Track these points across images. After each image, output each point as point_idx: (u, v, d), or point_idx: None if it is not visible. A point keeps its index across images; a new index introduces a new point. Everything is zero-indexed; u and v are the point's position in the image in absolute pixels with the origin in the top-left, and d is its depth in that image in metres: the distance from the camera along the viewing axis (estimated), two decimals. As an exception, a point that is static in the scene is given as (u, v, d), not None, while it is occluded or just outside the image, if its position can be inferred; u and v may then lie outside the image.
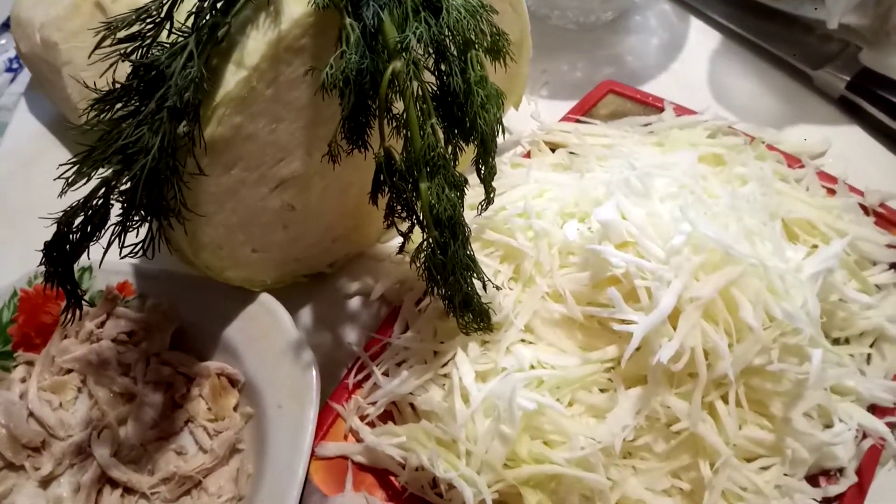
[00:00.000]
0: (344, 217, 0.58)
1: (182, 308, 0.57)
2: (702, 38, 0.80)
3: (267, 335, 0.55)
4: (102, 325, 0.57)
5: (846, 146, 0.69)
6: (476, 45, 0.43)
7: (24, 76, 0.83)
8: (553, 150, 0.65)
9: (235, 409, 0.55)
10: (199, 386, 0.55)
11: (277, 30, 0.44)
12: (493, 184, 0.57)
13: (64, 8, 0.65)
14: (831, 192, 0.61)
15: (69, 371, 0.56)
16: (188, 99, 0.39)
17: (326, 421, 0.52)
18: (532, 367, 0.48)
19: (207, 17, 0.41)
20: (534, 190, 0.55)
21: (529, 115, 0.73)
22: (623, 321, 0.46)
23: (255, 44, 0.44)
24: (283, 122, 0.48)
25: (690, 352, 0.45)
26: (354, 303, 0.62)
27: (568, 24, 0.79)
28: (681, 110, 0.67)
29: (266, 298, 0.56)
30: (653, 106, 0.68)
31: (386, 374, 0.53)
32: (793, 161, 0.63)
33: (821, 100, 0.73)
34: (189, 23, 0.42)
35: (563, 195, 0.54)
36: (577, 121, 0.67)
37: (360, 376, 0.54)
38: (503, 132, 0.44)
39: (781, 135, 0.70)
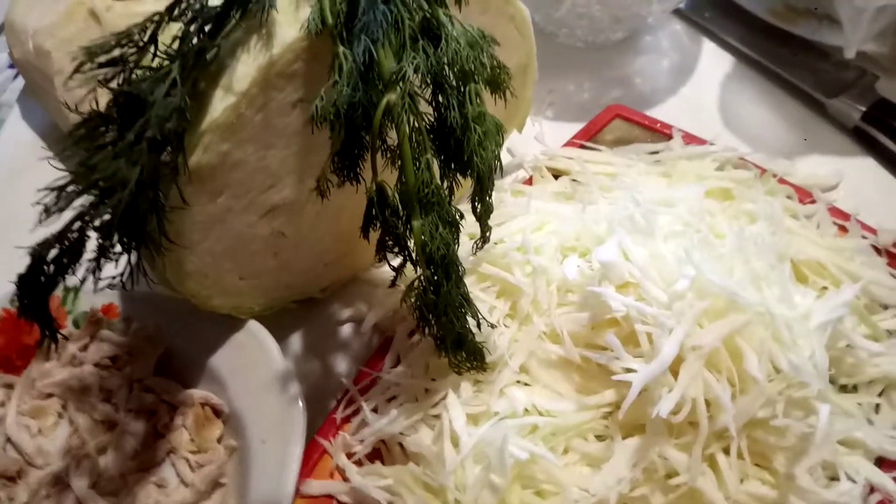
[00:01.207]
0: (337, 242, 0.56)
1: (168, 333, 0.56)
2: (714, 62, 0.77)
3: (253, 365, 0.53)
4: (86, 348, 0.56)
5: (860, 179, 0.67)
6: (476, 78, 0.41)
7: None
8: (556, 177, 0.63)
9: (219, 441, 0.53)
10: (183, 415, 0.53)
11: (269, 54, 0.42)
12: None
13: (57, 15, 0.63)
14: (843, 229, 0.58)
15: (50, 395, 0.55)
16: (170, 129, 0.37)
17: (312, 456, 0.50)
18: (526, 410, 0.46)
19: (193, 42, 0.39)
20: (533, 222, 0.53)
21: (533, 136, 0.71)
22: (622, 369, 0.44)
23: (245, 68, 0.42)
24: (273, 148, 0.46)
25: (692, 402, 0.43)
26: (346, 330, 0.60)
27: (576, 42, 0.77)
28: (690, 138, 0.65)
29: (254, 326, 0.54)
30: (661, 133, 0.66)
31: (375, 410, 0.51)
32: (803, 195, 0.61)
33: (835, 130, 0.71)
34: (176, 46, 0.40)
35: (564, 229, 0.52)
36: (582, 146, 0.65)
37: (348, 411, 0.52)
38: (501, 170, 0.42)
39: (793, 165, 0.67)
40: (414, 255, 0.42)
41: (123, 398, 0.54)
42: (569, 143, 0.66)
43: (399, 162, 0.41)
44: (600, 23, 0.71)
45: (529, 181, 0.63)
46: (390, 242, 0.43)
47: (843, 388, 0.51)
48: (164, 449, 0.53)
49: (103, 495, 0.51)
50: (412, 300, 0.43)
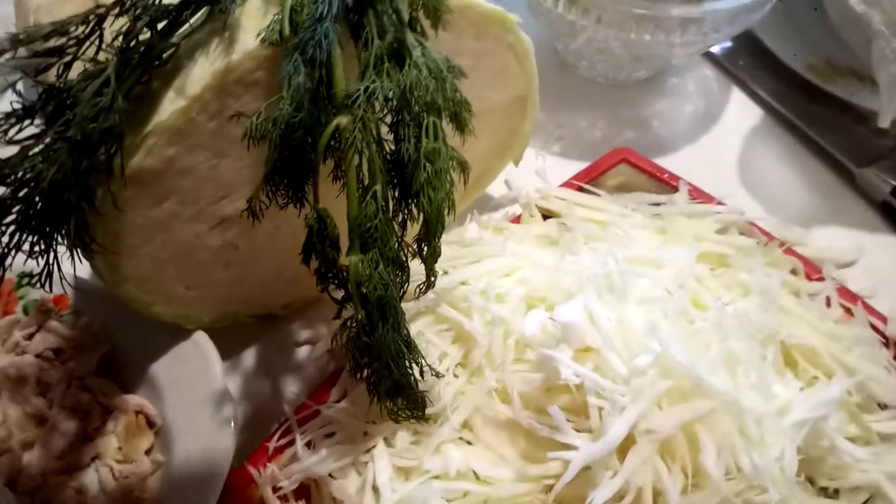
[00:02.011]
0: (300, 258, 0.53)
1: (115, 331, 0.54)
2: (741, 113, 0.73)
3: (193, 378, 0.50)
4: (31, 337, 0.54)
5: (881, 257, 0.62)
6: (440, 112, 0.38)
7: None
8: (547, 218, 0.59)
9: (148, 453, 0.51)
10: (115, 421, 0.51)
11: (227, 60, 0.40)
12: (468, 248, 0.52)
13: (57, -7, 0.61)
14: (849, 312, 0.53)
15: (-12, 381, 0.53)
16: (97, 129, 0.34)
17: (239, 484, 0.48)
18: (460, 472, 0.43)
19: (138, 38, 0.36)
20: (504, 266, 0.50)
21: (535, 171, 0.68)
22: (563, 445, 0.40)
23: (201, 72, 0.40)
24: (227, 157, 0.43)
25: (636, 491, 0.39)
26: (304, 351, 0.57)
27: (596, 76, 0.73)
28: (697, 193, 0.60)
29: (200, 338, 0.51)
30: (667, 183, 0.61)
31: (310, 444, 0.48)
32: (813, 270, 0.56)
33: (861, 201, 0.66)
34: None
35: (535, 278, 0.49)
36: (581, 188, 0.61)
37: (285, 440, 0.49)
38: (453, 214, 0.39)
39: (809, 235, 0.63)
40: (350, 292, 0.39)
41: (60, 394, 0.52)
42: (566, 184, 0.62)
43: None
44: (620, 60, 0.67)
45: (518, 219, 0.59)
46: (330, 275, 0.40)
47: (824, 491, 0.46)
48: (90, 453, 0.51)
49: (20, 493, 0.49)
50: (343, 341, 0.39)
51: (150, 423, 0.51)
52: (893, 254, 0.63)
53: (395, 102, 0.38)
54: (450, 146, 0.39)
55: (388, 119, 0.40)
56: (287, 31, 0.37)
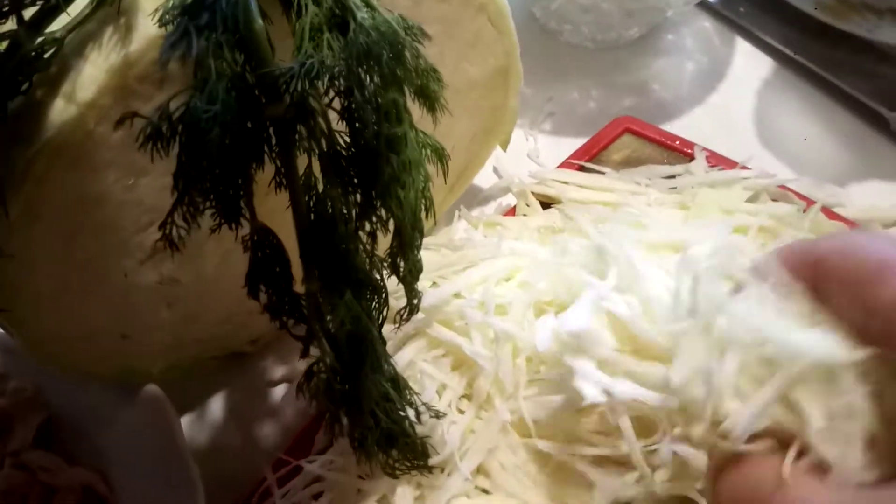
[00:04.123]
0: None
1: (51, 395, 0.45)
2: (750, 66, 0.64)
3: (147, 442, 0.42)
4: (-48, 411, 0.45)
5: (930, 211, 0.54)
6: (401, 85, 0.29)
7: None
8: (547, 206, 0.51)
9: (103, 536, 0.42)
10: (61, 501, 0.43)
11: (125, 52, 0.31)
12: (458, 251, 0.44)
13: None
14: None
15: None
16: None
17: (215, 562, 0.40)
18: (477, 531, 0.35)
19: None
20: (501, 270, 0.41)
21: (526, 153, 0.59)
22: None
23: (94, 71, 0.31)
24: (146, 175, 0.35)
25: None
26: (279, 392, 0.49)
27: (583, 41, 0.65)
28: (716, 159, 0.52)
29: (151, 392, 0.43)
30: (680, 152, 0.53)
31: (294, 508, 0.40)
32: (860, 233, 0.48)
33: (898, 149, 0.58)
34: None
35: (538, 278, 0.40)
36: (581, 167, 0.53)
37: (264, 504, 0.41)
38: (434, 214, 0.30)
39: (845, 193, 0.55)
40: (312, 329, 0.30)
41: (-10, 478, 0.43)
42: (565, 164, 0.54)
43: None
44: (609, 17, 0.59)
45: (512, 212, 0.51)
46: (285, 308, 0.31)
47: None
48: (31, 548, 0.42)
49: None
50: (312, 392, 0.31)
51: (101, 500, 0.43)
52: (943, 205, 0.55)
53: (342, 82, 0.29)
54: (420, 131, 0.31)
55: (338, 105, 0.31)
56: (193, 3, 0.29)
